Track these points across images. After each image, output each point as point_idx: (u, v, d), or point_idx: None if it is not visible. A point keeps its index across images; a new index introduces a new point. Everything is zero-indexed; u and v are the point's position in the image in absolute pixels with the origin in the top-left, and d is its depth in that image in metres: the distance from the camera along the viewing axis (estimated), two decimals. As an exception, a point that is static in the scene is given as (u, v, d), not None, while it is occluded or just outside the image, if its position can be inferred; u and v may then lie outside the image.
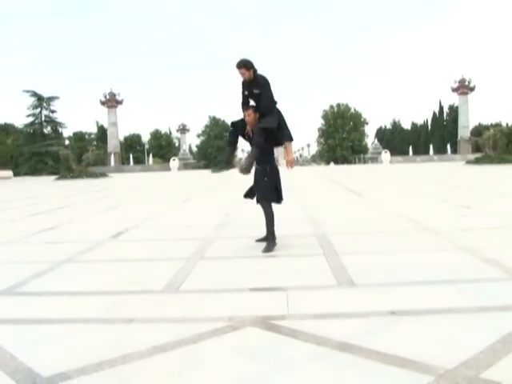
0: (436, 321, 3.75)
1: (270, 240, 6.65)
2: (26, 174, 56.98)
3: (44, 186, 30.41)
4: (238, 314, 3.95)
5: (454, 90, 73.88)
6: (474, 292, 4.42)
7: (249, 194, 6.95)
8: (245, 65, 6.62)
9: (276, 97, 6.80)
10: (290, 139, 6.85)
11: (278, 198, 6.75)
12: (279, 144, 6.96)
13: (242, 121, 6.78)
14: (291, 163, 7.00)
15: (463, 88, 72.63)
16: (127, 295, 4.69)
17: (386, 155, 59.47)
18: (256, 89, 6.68)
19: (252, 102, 6.76)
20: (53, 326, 3.90)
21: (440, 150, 73.74)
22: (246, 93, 6.80)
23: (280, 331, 3.57)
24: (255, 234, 7.20)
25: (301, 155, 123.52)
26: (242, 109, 6.81)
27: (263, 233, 6.88)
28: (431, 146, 72.98)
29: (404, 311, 3.93)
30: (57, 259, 6.47)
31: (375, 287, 4.69)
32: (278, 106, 6.83)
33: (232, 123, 7.03)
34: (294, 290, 4.63)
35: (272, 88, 6.75)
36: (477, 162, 40.07)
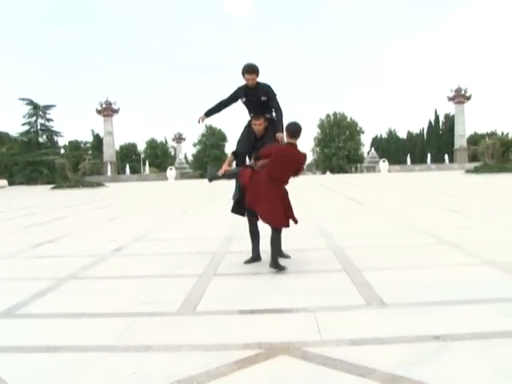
0: (485, 347, 3.41)
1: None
2: (21, 183, 56.42)
3: (40, 196, 29.94)
4: (266, 339, 3.59)
5: (450, 99, 73.82)
6: (517, 313, 4.08)
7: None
8: (256, 70, 6.45)
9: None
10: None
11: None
12: None
13: (243, 145, 6.62)
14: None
15: (459, 97, 72.58)
16: (140, 317, 4.31)
17: (384, 164, 59.17)
18: (263, 96, 6.49)
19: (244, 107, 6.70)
20: (59, 355, 3.51)
21: (436, 159, 73.49)
22: (244, 99, 6.61)
23: (316, 360, 3.21)
24: (266, 248, 6.84)
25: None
26: (216, 110, 6.83)
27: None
28: (429, 155, 72.80)
29: (448, 335, 3.57)
30: (59, 275, 6.09)
31: (409, 307, 4.34)
32: None
33: (235, 153, 6.73)
34: (322, 310, 4.28)
35: None
36: (476, 171, 39.82)
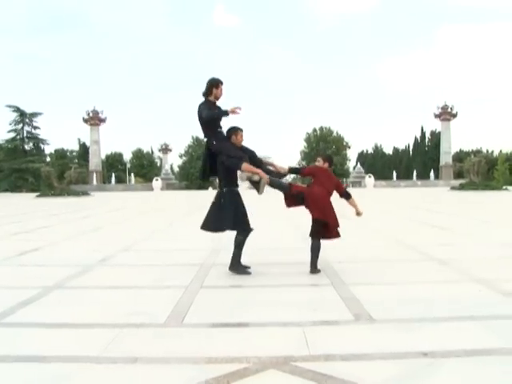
0: (473, 364, 3.41)
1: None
2: (6, 190, 55.99)
3: (24, 204, 29.67)
4: (255, 353, 3.56)
5: (436, 116, 74.48)
6: (505, 330, 4.10)
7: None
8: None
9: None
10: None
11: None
12: None
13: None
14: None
15: (446, 114, 73.26)
16: (127, 328, 4.26)
17: (369, 180, 59.52)
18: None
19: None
20: (45, 365, 3.47)
21: (422, 175, 74.04)
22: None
23: (306, 375, 3.19)
24: (253, 260, 6.84)
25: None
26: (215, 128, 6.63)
27: (258, 258, 6.60)
28: (414, 172, 73.29)
29: (436, 352, 3.57)
30: (45, 284, 6.02)
31: (397, 323, 4.33)
32: None
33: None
34: (310, 325, 4.27)
35: None
36: (462, 188, 40.17)
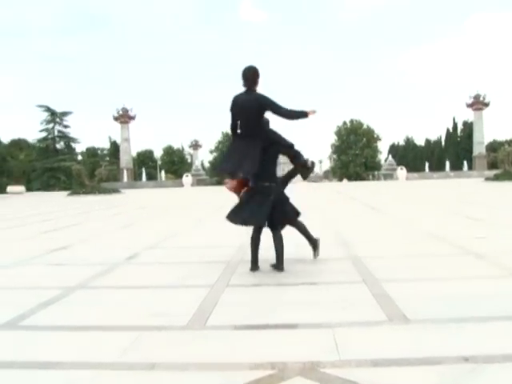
0: (519, 371, 3.11)
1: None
2: (39, 189, 56.80)
3: (56, 202, 29.95)
4: (280, 358, 3.32)
5: (468, 105, 73.09)
6: (553, 331, 3.78)
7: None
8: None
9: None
10: None
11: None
12: None
13: None
14: None
15: (478, 104, 71.81)
16: (146, 331, 4.07)
17: (402, 172, 58.64)
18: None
19: None
20: (56, 372, 3.28)
21: (454, 167, 72.70)
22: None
23: (335, 384, 2.95)
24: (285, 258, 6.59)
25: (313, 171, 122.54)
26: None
27: (290, 255, 6.38)
28: (447, 163, 72.04)
29: (478, 357, 3.27)
30: (68, 284, 5.89)
31: (434, 324, 4.04)
32: None
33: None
34: (340, 326, 4.01)
35: None
36: (496, 178, 39.19)
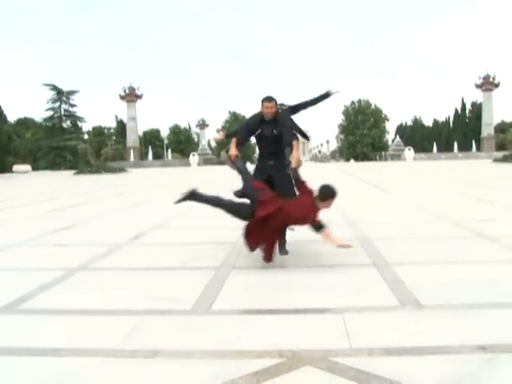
0: (540, 361, 2.95)
1: None
2: (45, 168, 56.68)
3: (62, 181, 29.86)
4: (288, 346, 3.17)
5: (478, 86, 72.21)
6: None
7: None
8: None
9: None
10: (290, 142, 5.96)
11: None
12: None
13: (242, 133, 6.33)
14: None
15: (487, 84, 70.91)
16: (149, 316, 3.93)
17: (409, 152, 58.20)
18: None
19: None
20: (55, 360, 3.15)
21: (462, 148, 72.05)
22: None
23: (346, 374, 2.79)
24: (291, 239, 6.41)
25: (320, 151, 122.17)
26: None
27: (298, 237, 6.20)
28: (455, 144, 71.42)
29: (496, 346, 3.11)
30: (69, 266, 5.75)
31: (448, 310, 3.88)
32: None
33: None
34: (350, 312, 3.85)
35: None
36: (505, 160, 38.77)
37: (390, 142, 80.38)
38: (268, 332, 3.51)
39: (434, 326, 3.53)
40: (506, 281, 4.64)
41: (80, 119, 66.19)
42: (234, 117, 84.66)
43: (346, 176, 26.39)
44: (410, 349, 3.12)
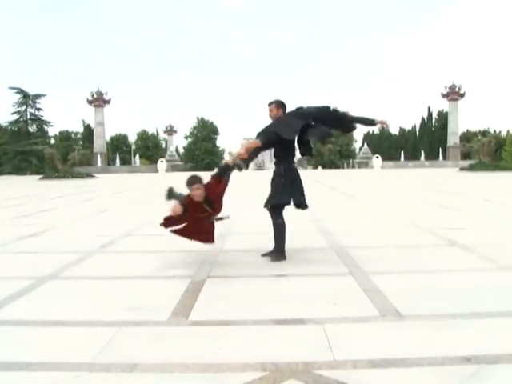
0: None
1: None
2: (10, 173, 55.49)
3: (28, 186, 29.22)
4: (271, 358, 3.08)
5: (443, 95, 73.49)
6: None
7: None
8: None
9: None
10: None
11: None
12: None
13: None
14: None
15: (453, 94, 72.23)
16: (125, 327, 3.78)
17: (377, 160, 58.78)
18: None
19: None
20: (27, 374, 2.99)
21: (429, 156, 73.18)
22: None
23: (332, 388, 2.71)
24: (264, 246, 6.34)
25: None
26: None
27: (266, 245, 6.13)
28: (422, 152, 72.43)
29: (480, 357, 3.07)
30: (38, 274, 5.56)
31: (429, 320, 3.84)
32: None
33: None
34: (331, 322, 3.78)
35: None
36: (471, 168, 39.45)
37: (357, 150, 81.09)
38: (248, 343, 3.41)
39: (416, 337, 3.48)
40: (480, 289, 4.64)
41: (46, 123, 65.08)
42: (203, 123, 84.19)
43: (317, 184, 26.44)
44: (394, 360, 3.07)
